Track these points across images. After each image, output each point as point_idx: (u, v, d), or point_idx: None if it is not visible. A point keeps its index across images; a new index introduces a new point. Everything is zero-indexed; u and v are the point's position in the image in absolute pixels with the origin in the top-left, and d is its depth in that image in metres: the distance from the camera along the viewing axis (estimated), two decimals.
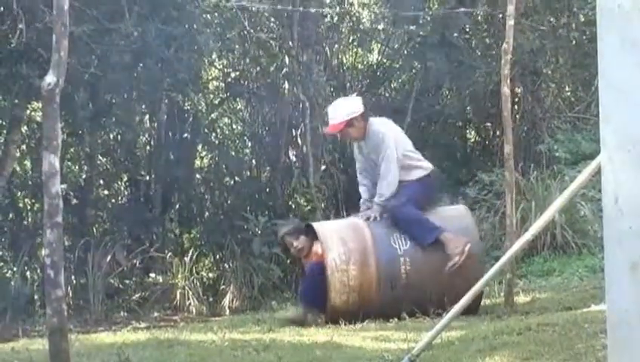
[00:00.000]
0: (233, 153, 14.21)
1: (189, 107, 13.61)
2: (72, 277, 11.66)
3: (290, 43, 13.41)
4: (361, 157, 7.67)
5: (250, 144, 14.45)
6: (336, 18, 14.26)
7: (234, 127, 14.69)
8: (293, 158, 13.85)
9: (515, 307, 7.12)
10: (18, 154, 12.36)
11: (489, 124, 14.43)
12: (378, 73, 14.96)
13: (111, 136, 13.40)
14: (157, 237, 12.94)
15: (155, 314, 11.42)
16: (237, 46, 13.63)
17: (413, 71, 14.57)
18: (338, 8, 14.30)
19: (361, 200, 7.65)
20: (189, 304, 11.67)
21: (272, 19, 13.88)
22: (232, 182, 14.10)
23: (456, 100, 14.61)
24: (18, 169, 12.81)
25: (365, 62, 15.11)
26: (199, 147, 14.10)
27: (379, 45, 15.08)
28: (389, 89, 15.27)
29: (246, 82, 14.16)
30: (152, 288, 11.96)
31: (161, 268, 12.29)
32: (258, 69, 14.01)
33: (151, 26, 10.98)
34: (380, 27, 14.75)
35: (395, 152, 7.37)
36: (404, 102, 14.07)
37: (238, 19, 12.69)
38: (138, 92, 12.48)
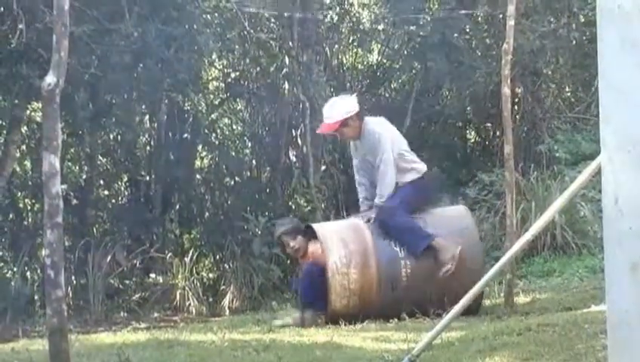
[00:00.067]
0: (233, 153, 14.20)
1: (189, 107, 13.60)
2: (72, 277, 11.66)
3: (290, 43, 13.41)
4: (357, 157, 7.65)
5: (250, 144, 14.45)
6: (336, 18, 14.25)
7: (234, 127, 14.69)
8: (294, 159, 13.85)
9: (515, 307, 7.12)
10: (18, 155, 12.36)
11: (489, 125, 14.43)
12: (378, 73, 14.96)
13: (111, 136, 13.39)
14: (157, 237, 12.93)
15: (155, 314, 11.42)
16: (237, 46, 13.62)
17: (414, 71, 14.57)
18: (338, 9, 14.30)
19: (360, 200, 7.64)
20: (189, 304, 11.67)
21: (272, 20, 13.88)
22: (232, 183, 14.09)
23: (456, 101, 14.61)
24: (18, 169, 12.80)
25: (365, 63, 15.11)
26: (199, 147, 14.09)
27: (379, 46, 15.07)
28: (389, 89, 15.27)
29: (246, 82, 14.16)
30: (152, 288, 11.96)
31: (161, 269, 12.29)
32: (258, 69, 14.00)
33: (151, 26, 10.98)
34: (380, 27, 14.75)
35: (392, 154, 7.35)
36: (404, 103, 14.07)
37: (238, 20, 12.69)
38: (138, 92, 12.48)
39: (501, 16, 11.93)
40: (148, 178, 13.47)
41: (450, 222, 7.46)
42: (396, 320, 6.91)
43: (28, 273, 11.72)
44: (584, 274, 9.62)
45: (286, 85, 13.86)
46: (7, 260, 12.08)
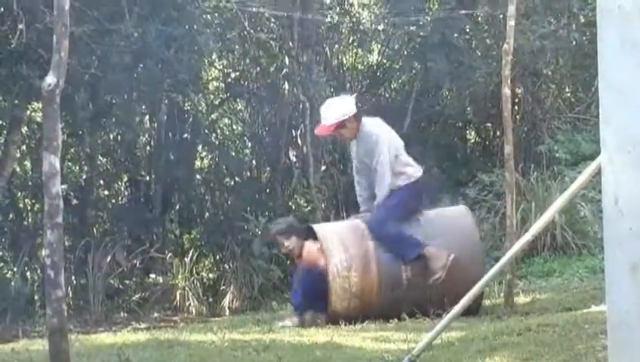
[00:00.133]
0: (233, 154, 14.20)
1: (189, 107, 13.60)
2: (72, 277, 11.67)
3: (290, 43, 13.42)
4: (356, 158, 7.64)
5: (250, 144, 14.45)
6: (336, 19, 14.25)
7: (234, 127, 14.69)
8: (294, 159, 13.86)
9: (515, 308, 7.12)
10: (18, 155, 12.36)
11: (489, 125, 14.43)
12: (378, 74, 14.96)
13: (111, 136, 13.40)
14: (157, 237, 12.93)
15: (155, 314, 11.42)
16: (237, 46, 13.63)
17: (414, 71, 14.57)
18: (338, 9, 14.29)
19: (360, 201, 7.63)
20: (189, 304, 11.67)
21: (272, 20, 13.88)
22: (233, 183, 14.10)
23: (456, 101, 14.61)
24: (18, 169, 12.81)
25: (365, 63, 15.11)
26: (199, 147, 14.09)
27: (379, 46, 15.07)
28: (389, 89, 15.27)
29: (246, 83, 14.16)
30: (152, 288, 11.96)
31: (161, 269, 12.29)
32: (258, 69, 14.01)
33: (151, 26, 10.98)
34: (380, 28, 14.74)
35: (389, 156, 7.32)
36: (404, 103, 14.07)
37: (238, 20, 12.69)
38: (138, 92, 12.48)
39: (501, 16, 11.93)
40: (148, 178, 13.47)
41: (450, 222, 7.46)
42: (396, 320, 6.91)
43: (28, 273, 11.72)
44: (584, 275, 9.62)
45: (286, 85, 13.87)
46: (7, 260, 12.08)
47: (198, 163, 14.22)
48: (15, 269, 11.54)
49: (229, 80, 14.33)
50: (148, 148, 13.84)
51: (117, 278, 11.98)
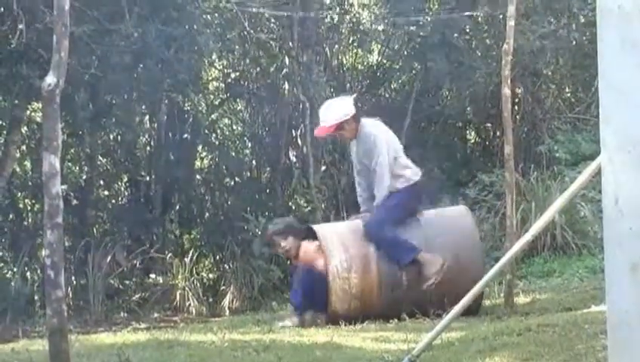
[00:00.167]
0: (233, 154, 14.21)
1: (189, 108, 13.61)
2: (72, 277, 11.67)
3: (290, 43, 13.42)
4: (355, 158, 7.64)
5: (250, 145, 14.45)
6: (336, 19, 14.25)
7: (234, 127, 14.69)
8: (294, 159, 13.86)
9: (515, 308, 7.12)
10: (18, 155, 12.37)
11: (489, 125, 14.43)
12: (378, 74, 14.95)
13: (111, 136, 13.40)
14: (157, 237, 12.94)
15: (155, 314, 11.42)
16: (237, 47, 13.63)
17: (414, 72, 14.56)
18: (338, 9, 14.29)
19: (360, 201, 7.63)
20: (189, 305, 11.67)
21: (272, 20, 13.88)
22: (233, 183, 14.10)
23: (456, 101, 14.61)
24: (18, 169, 12.81)
25: (365, 63, 15.10)
26: (199, 148, 14.10)
27: (379, 46, 15.07)
28: (389, 90, 15.27)
29: (246, 83, 14.16)
30: (152, 289, 11.96)
31: (161, 269, 12.29)
32: (258, 69, 14.01)
33: (151, 26, 10.98)
34: (380, 28, 14.74)
35: (387, 157, 7.32)
36: (404, 103, 14.06)
37: (238, 20, 12.69)
38: (138, 93, 12.48)
39: (501, 16, 11.94)
40: (148, 178, 13.47)
41: (450, 222, 7.46)
42: (396, 320, 6.91)
43: (28, 273, 11.72)
44: (584, 275, 9.62)
45: (286, 85, 13.87)
46: (7, 260, 12.09)
47: (198, 163, 14.22)
48: (15, 269, 11.54)
49: (229, 80, 14.33)
50: (148, 148, 13.84)
51: (117, 278, 11.98)
